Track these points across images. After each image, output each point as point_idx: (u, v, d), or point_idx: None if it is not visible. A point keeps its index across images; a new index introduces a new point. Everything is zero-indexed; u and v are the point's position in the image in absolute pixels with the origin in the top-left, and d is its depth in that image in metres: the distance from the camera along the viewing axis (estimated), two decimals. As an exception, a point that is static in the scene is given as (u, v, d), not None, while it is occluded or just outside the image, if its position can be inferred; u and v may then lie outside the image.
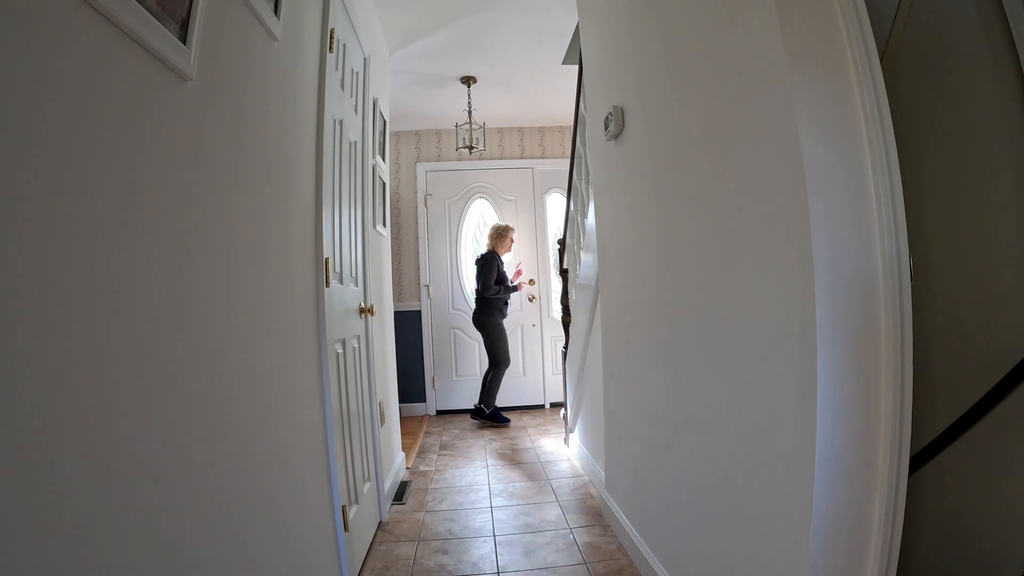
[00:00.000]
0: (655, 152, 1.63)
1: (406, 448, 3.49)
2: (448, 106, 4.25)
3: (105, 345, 0.66)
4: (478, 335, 4.44)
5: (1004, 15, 1.04)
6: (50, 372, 0.57)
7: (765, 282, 1.06)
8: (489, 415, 4.14)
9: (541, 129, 4.92)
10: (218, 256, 0.98)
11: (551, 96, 4.18)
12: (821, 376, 0.91)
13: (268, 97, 1.26)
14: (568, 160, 3.87)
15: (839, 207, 0.93)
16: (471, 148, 3.96)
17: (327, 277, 1.68)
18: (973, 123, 1.09)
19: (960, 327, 1.12)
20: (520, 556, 2.01)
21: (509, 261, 4.53)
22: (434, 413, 4.69)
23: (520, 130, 4.91)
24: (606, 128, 2.02)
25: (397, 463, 2.88)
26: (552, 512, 2.42)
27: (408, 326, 4.63)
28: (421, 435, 3.93)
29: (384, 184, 3.06)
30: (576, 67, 3.31)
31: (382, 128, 2.96)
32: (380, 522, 2.34)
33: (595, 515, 2.36)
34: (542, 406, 4.77)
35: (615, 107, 1.91)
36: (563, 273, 3.58)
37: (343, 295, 1.94)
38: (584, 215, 2.96)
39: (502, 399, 4.50)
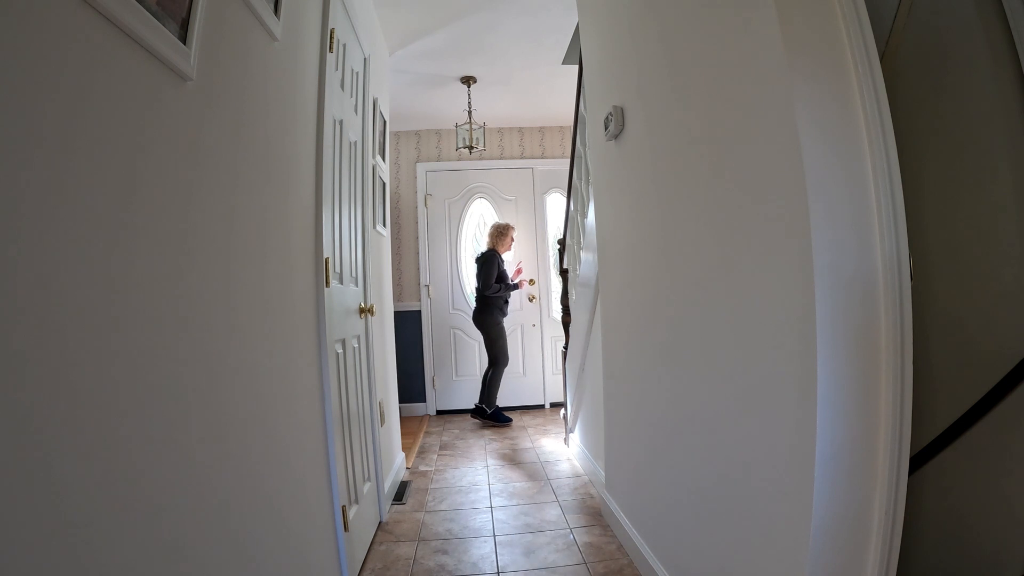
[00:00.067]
0: (655, 152, 1.63)
1: (406, 448, 3.49)
2: (448, 106, 4.25)
3: (105, 345, 0.66)
4: (478, 335, 4.44)
5: (1004, 15, 1.04)
6: (50, 372, 0.57)
7: (765, 282, 1.06)
8: (491, 415, 4.14)
9: (541, 129, 4.92)
10: (218, 256, 0.98)
11: (551, 96, 4.18)
12: (821, 376, 0.91)
13: (268, 97, 1.26)
14: (568, 160, 3.87)
15: (839, 207, 0.93)
16: (471, 148, 3.96)
17: (327, 277, 1.68)
18: (973, 123, 1.09)
19: (960, 327, 1.12)
20: (520, 556, 2.01)
21: (509, 260, 4.53)
22: (434, 413, 4.68)
23: (520, 130, 4.91)
24: (606, 128, 2.02)
25: (397, 463, 2.88)
26: (552, 512, 2.42)
27: (408, 326, 4.63)
28: (421, 435, 3.93)
29: (384, 184, 3.06)
30: (576, 67, 3.31)
31: (382, 128, 2.96)
32: (380, 522, 2.34)
33: (595, 515, 2.36)
34: (542, 406, 4.77)
35: (615, 107, 1.91)
36: (563, 273, 3.58)
37: (343, 295, 1.94)
38: (584, 215, 2.96)
39: (502, 399, 4.50)
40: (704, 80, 1.27)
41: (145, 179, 0.76)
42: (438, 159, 4.81)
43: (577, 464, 3.11)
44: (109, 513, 0.65)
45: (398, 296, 4.66)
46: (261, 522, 1.12)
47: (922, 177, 1.14)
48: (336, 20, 1.88)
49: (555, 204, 4.91)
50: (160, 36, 0.78)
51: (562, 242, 3.63)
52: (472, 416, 4.30)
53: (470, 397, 4.60)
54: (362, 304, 2.24)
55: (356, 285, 2.18)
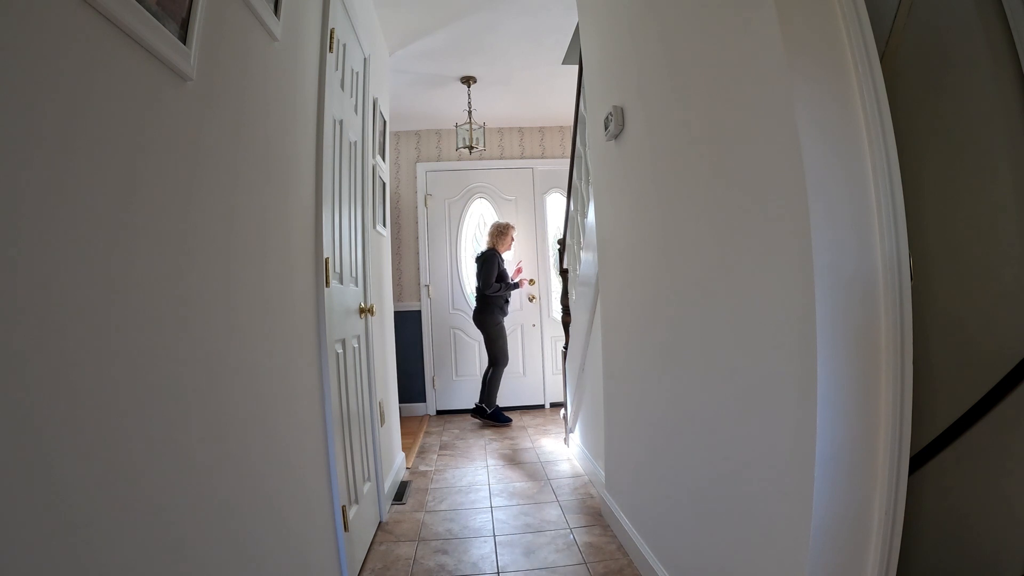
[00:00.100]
0: (655, 152, 1.63)
1: (406, 448, 3.49)
2: (448, 106, 4.25)
3: (105, 345, 0.66)
4: (478, 335, 4.44)
5: (1004, 15, 1.04)
6: (50, 372, 0.57)
7: (765, 282, 1.06)
8: (491, 415, 4.13)
9: (541, 129, 4.92)
10: (218, 256, 0.98)
11: (551, 96, 4.18)
12: (821, 376, 0.91)
13: (268, 97, 1.26)
14: (568, 160, 3.87)
15: (839, 207, 0.93)
16: (471, 148, 3.96)
17: (327, 277, 1.68)
18: (973, 123, 1.09)
19: (960, 327, 1.12)
20: (520, 556, 2.01)
21: (509, 259, 4.52)
22: (434, 413, 4.69)
23: (520, 130, 4.91)
24: (606, 128, 2.02)
25: (397, 463, 2.88)
26: (552, 512, 2.42)
27: (408, 326, 4.63)
28: (421, 435, 3.93)
29: (384, 184, 3.06)
30: (576, 67, 3.31)
31: (382, 128, 2.96)
32: (380, 522, 2.34)
33: (595, 515, 2.36)
34: (542, 406, 4.77)
35: (615, 107, 1.91)
36: (563, 273, 3.58)
37: (343, 295, 1.94)
38: (584, 215, 2.96)
39: (502, 399, 4.50)
40: (704, 80, 1.27)
41: (145, 179, 0.76)
42: (438, 159, 4.81)
43: (577, 464, 3.11)
44: (109, 513, 0.65)
45: (398, 296, 4.66)
46: (261, 522, 1.12)
47: (922, 177, 1.14)
48: (336, 20, 1.88)
49: (555, 204, 4.91)
50: (160, 36, 0.78)
51: (562, 242, 3.63)
52: (472, 416, 4.30)
53: (470, 397, 4.60)
54: (362, 304, 2.24)
55: (356, 285, 2.18)
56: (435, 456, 3.40)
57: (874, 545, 0.94)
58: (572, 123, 3.26)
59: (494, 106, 4.33)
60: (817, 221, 0.91)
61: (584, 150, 2.92)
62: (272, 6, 1.27)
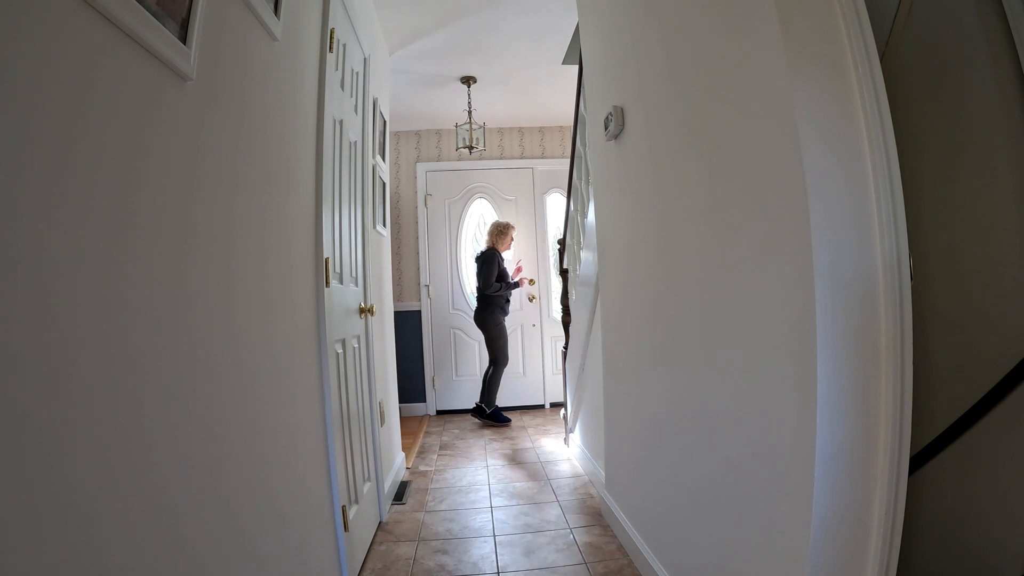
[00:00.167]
0: (655, 152, 1.63)
1: (406, 448, 3.49)
2: (448, 106, 4.25)
3: (105, 345, 0.66)
4: (478, 335, 4.44)
5: (1004, 15, 1.04)
6: (50, 372, 0.57)
7: (765, 282, 1.06)
8: (490, 415, 4.14)
9: (541, 129, 4.92)
10: (218, 256, 0.98)
11: (551, 96, 4.18)
12: (821, 376, 0.91)
13: (268, 97, 1.26)
14: (568, 160, 3.87)
15: (839, 207, 0.93)
16: (471, 148, 3.96)
17: (327, 277, 1.68)
18: (973, 123, 1.09)
19: (960, 327, 1.12)
20: (520, 556, 2.01)
21: (509, 259, 4.52)
22: (434, 413, 4.69)
23: (520, 130, 4.91)
24: (606, 128, 2.02)
25: (397, 463, 2.88)
26: (552, 512, 2.42)
27: (408, 326, 4.63)
28: (421, 435, 3.93)
29: (384, 184, 3.06)
30: (576, 67, 3.31)
31: (382, 128, 2.96)
32: (380, 522, 2.34)
33: (595, 515, 2.36)
34: (542, 406, 4.77)
35: (615, 107, 1.91)
36: (563, 273, 3.58)
37: (343, 295, 1.94)
38: (584, 215, 2.96)
39: (502, 399, 4.50)
40: (704, 80, 1.27)
41: (145, 179, 0.76)
42: (438, 159, 4.81)
43: (577, 464, 3.11)
44: (109, 513, 0.65)
45: (398, 296, 4.66)
46: (261, 522, 1.12)
47: (922, 177, 1.14)
48: (336, 20, 1.88)
49: (555, 204, 4.91)
50: (160, 36, 0.78)
51: (562, 242, 3.63)
52: (472, 415, 4.30)
53: (470, 397, 4.60)
54: (362, 304, 2.24)
55: (356, 285, 2.18)
56: (435, 456, 3.40)
57: (874, 545, 0.94)
58: (572, 123, 3.26)
59: (494, 106, 4.33)
60: (817, 221, 0.91)
61: (584, 150, 2.92)
62: (272, 6, 1.27)
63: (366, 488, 2.12)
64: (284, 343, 1.32)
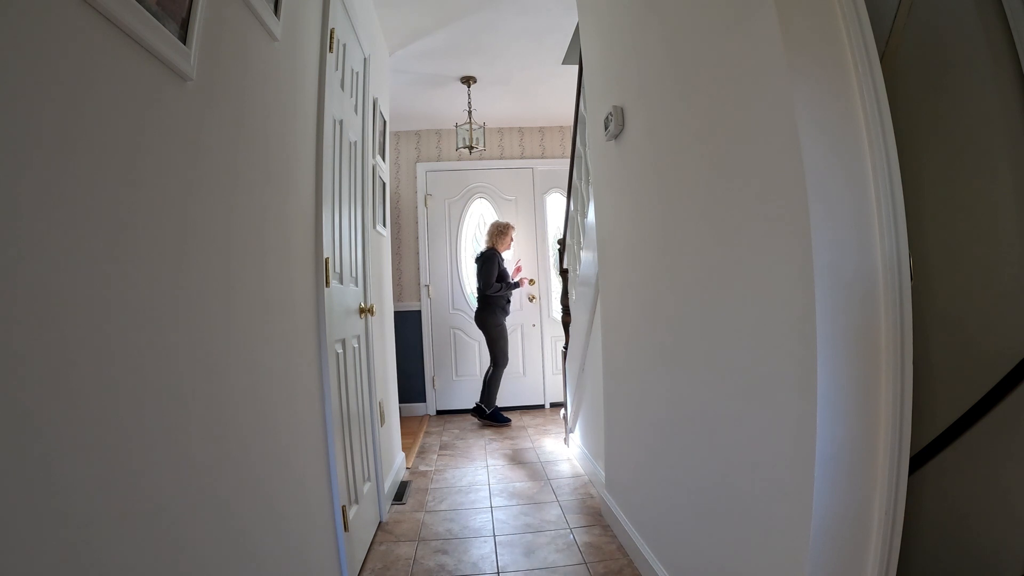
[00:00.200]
0: (655, 152, 1.63)
1: (406, 448, 3.49)
2: (448, 106, 4.25)
3: (104, 345, 0.66)
4: (478, 335, 4.44)
5: (1004, 15, 1.04)
6: (50, 372, 0.57)
7: (765, 282, 1.06)
8: (489, 415, 4.14)
9: (541, 129, 4.92)
10: (218, 256, 0.98)
11: (551, 96, 4.18)
12: (821, 376, 0.91)
13: (268, 97, 1.26)
14: (568, 160, 3.87)
15: (839, 207, 0.93)
16: (471, 148, 3.96)
17: (327, 277, 1.68)
18: (973, 123, 1.09)
19: (960, 327, 1.12)
20: (520, 556, 2.01)
21: (508, 258, 4.52)
22: (434, 413, 4.69)
23: (520, 130, 4.91)
24: (606, 128, 2.02)
25: (397, 463, 2.88)
26: (552, 512, 2.42)
27: (408, 326, 4.63)
28: (421, 435, 3.93)
29: (384, 184, 3.06)
30: (576, 67, 3.31)
31: (382, 128, 2.96)
32: (380, 522, 2.34)
33: (595, 515, 2.36)
34: (542, 406, 4.77)
35: (615, 107, 1.91)
36: (563, 273, 3.58)
37: (343, 295, 1.94)
38: (584, 215, 2.96)
39: (502, 399, 4.50)
40: (704, 80, 1.27)
41: (145, 179, 0.76)
42: (438, 159, 4.81)
43: (577, 464, 3.11)
44: (109, 513, 0.65)
45: (398, 296, 4.66)
46: (261, 522, 1.12)
47: (922, 177, 1.14)
48: (336, 20, 1.88)
49: (555, 204, 4.91)
50: (160, 36, 0.78)
51: (562, 242, 3.63)
52: (471, 414, 4.31)
53: (470, 397, 4.60)
54: (362, 304, 2.24)
55: (356, 285, 2.18)
56: (435, 456, 3.40)
57: (874, 545, 0.94)
58: (572, 123, 3.26)
59: (494, 106, 4.33)
60: (817, 221, 0.91)
61: (584, 150, 2.92)
62: (272, 6, 1.27)
63: (366, 488, 2.12)
64: (284, 343, 1.32)
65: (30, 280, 0.55)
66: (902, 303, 0.93)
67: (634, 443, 1.94)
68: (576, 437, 3.26)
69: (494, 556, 2.01)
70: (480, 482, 2.86)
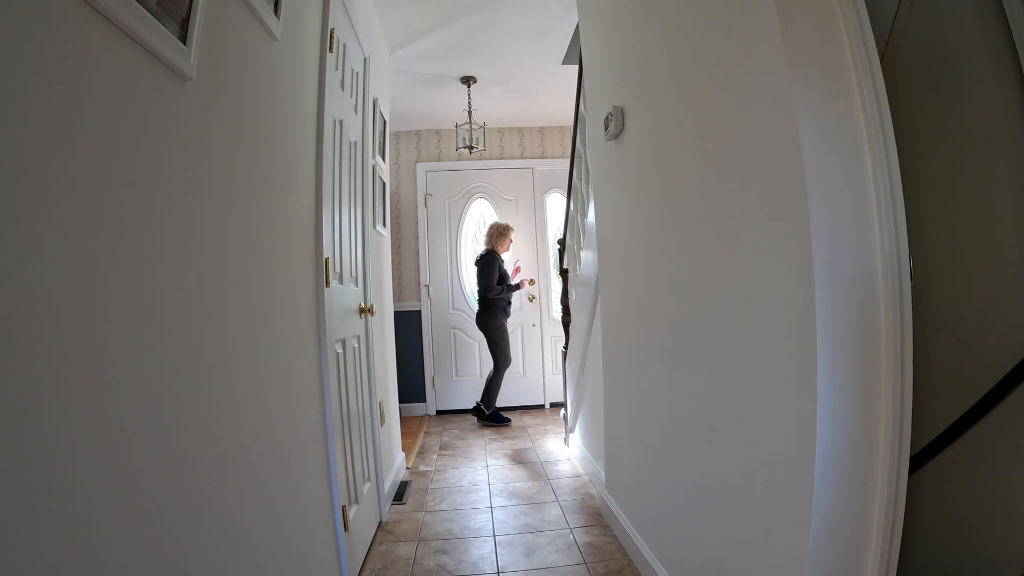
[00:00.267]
0: (655, 151, 1.63)
1: (406, 448, 3.49)
2: (448, 106, 4.25)
3: (104, 345, 0.66)
4: (478, 335, 4.44)
5: (1004, 15, 1.04)
6: (50, 372, 0.57)
7: (765, 282, 1.06)
8: (489, 416, 4.14)
9: (541, 129, 4.92)
10: (218, 256, 0.98)
11: (551, 96, 4.18)
12: (821, 376, 0.91)
13: (268, 97, 1.26)
14: (568, 160, 3.87)
15: (839, 207, 0.93)
16: (471, 148, 3.96)
17: (327, 277, 1.68)
18: (973, 123, 1.09)
19: (960, 327, 1.12)
20: (520, 556, 2.01)
21: (508, 259, 4.52)
22: (434, 413, 4.69)
23: (520, 130, 4.91)
24: (606, 128, 2.02)
25: (397, 463, 2.88)
26: (552, 512, 2.42)
27: (408, 326, 4.63)
28: (421, 435, 3.93)
29: (384, 184, 3.06)
30: (576, 67, 3.31)
31: (382, 128, 2.96)
32: (380, 522, 2.34)
33: (595, 515, 2.36)
34: (542, 406, 4.77)
35: (615, 107, 1.91)
36: (563, 273, 3.58)
37: (343, 295, 1.94)
38: (584, 215, 2.96)
39: (502, 399, 4.50)
40: (704, 80, 1.27)
41: (145, 179, 0.76)
42: (438, 159, 4.81)
43: (577, 464, 3.11)
44: (109, 513, 0.65)
45: (398, 296, 4.66)
46: (261, 522, 1.12)
47: (922, 177, 1.14)
48: (336, 20, 1.88)
49: (555, 204, 4.91)
50: (160, 36, 0.78)
51: (562, 242, 3.63)
52: (472, 414, 4.30)
53: (470, 397, 4.60)
54: (362, 304, 2.24)
55: (356, 285, 2.18)
56: (435, 456, 3.40)
57: (874, 545, 0.94)
58: (572, 123, 3.26)
59: (494, 106, 4.33)
60: (817, 221, 0.91)
61: (584, 150, 2.92)
62: (272, 6, 1.27)
63: (366, 488, 2.12)
64: (284, 343, 1.32)
65: (30, 280, 0.55)
66: (902, 303, 0.93)
67: (634, 443, 1.94)
68: (576, 437, 3.26)
69: (494, 556, 2.01)
70: (480, 482, 2.86)
